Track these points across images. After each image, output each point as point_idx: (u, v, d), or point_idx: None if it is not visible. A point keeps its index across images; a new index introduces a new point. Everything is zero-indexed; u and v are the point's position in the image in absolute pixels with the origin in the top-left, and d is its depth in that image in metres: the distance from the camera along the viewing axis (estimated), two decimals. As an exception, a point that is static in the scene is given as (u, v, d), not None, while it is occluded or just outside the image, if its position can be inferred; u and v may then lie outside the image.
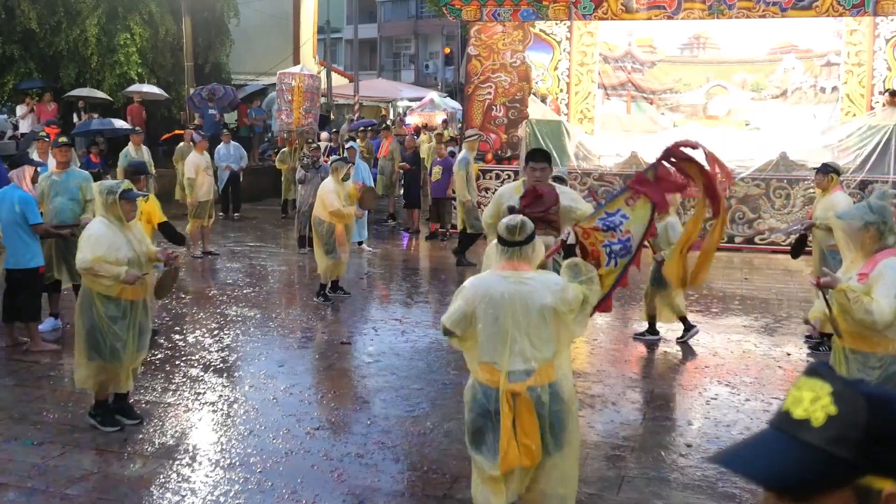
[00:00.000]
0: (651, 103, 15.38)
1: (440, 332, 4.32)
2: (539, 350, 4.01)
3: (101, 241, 5.64)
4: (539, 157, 6.20)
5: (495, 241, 4.17)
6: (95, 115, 18.06)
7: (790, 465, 1.14)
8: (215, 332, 8.49)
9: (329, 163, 14.26)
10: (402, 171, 16.15)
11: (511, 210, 5.35)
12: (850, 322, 4.29)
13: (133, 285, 5.74)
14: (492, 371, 4.03)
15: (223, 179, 16.09)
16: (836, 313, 4.34)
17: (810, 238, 8.48)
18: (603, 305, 4.84)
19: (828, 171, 8.26)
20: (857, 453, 1.12)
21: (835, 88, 14.38)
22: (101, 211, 5.80)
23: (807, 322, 5.03)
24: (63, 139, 8.96)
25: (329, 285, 10.06)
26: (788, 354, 7.90)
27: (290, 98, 16.77)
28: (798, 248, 8.61)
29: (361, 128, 18.82)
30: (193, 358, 7.65)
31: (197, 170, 12.81)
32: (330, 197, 9.73)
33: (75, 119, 18.38)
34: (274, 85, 18.62)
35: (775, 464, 1.15)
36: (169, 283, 6.33)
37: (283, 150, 16.77)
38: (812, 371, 1.21)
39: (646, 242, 5.24)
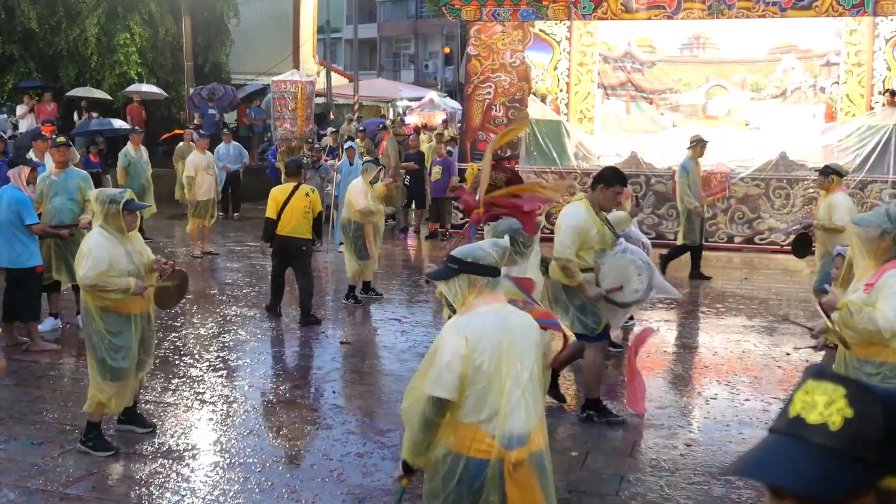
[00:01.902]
0: (651, 103, 15.38)
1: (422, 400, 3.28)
2: (537, 404, 3.32)
3: (102, 256, 5.34)
4: (625, 178, 6.12)
5: (459, 277, 3.38)
6: (95, 115, 18.07)
7: (812, 471, 1.13)
8: (215, 332, 8.49)
9: (329, 163, 14.32)
10: (405, 171, 16.14)
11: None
12: (855, 334, 4.19)
13: (141, 297, 5.50)
14: (480, 437, 3.20)
15: (222, 179, 16.10)
16: (841, 327, 4.23)
17: (813, 236, 8.45)
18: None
19: (828, 173, 8.27)
20: (877, 454, 1.11)
21: (825, 87, 14.36)
22: (100, 221, 5.47)
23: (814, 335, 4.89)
24: (61, 139, 8.95)
25: (360, 286, 10.06)
26: (788, 354, 7.90)
27: (292, 106, 16.76)
28: (800, 248, 8.57)
29: (363, 128, 18.80)
30: (193, 358, 7.65)
31: (196, 169, 12.78)
32: (358, 196, 9.72)
33: (76, 118, 18.39)
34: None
35: (797, 471, 1.13)
36: (175, 295, 6.05)
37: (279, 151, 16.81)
38: (820, 374, 1.19)
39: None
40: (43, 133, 10.99)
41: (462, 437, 3.22)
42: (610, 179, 5.98)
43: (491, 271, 3.37)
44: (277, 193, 8.98)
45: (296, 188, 8.96)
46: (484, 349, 3.19)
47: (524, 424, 3.21)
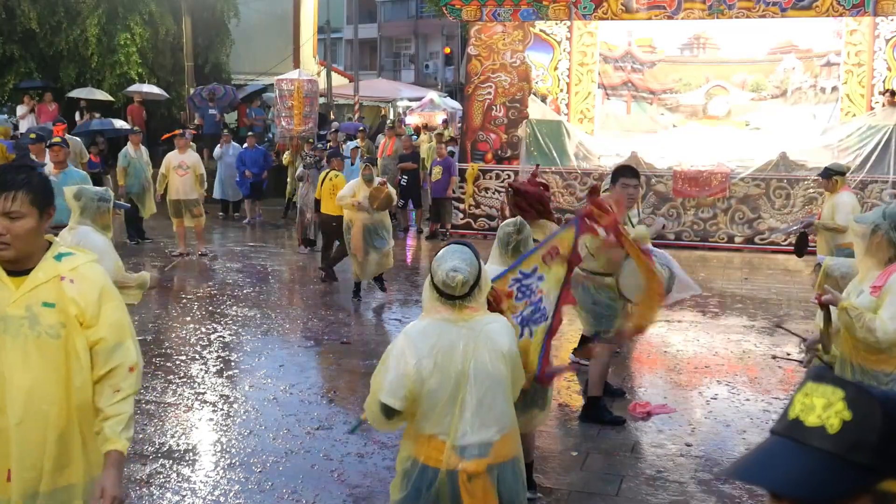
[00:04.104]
0: (651, 103, 15.39)
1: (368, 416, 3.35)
2: (502, 414, 3.23)
3: (110, 253, 5.24)
4: (631, 173, 6.21)
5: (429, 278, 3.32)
6: (97, 115, 18.08)
7: (809, 474, 1.12)
8: (215, 332, 8.49)
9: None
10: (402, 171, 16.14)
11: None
12: (856, 339, 4.06)
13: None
14: (436, 445, 3.18)
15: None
16: (843, 329, 4.11)
17: (812, 236, 8.45)
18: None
19: (830, 175, 8.25)
20: (874, 458, 1.11)
21: (835, 88, 14.39)
22: (89, 219, 5.39)
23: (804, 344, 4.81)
24: (57, 139, 8.95)
25: (373, 281, 10.08)
26: (788, 354, 7.90)
27: (290, 104, 16.77)
28: (801, 247, 8.57)
29: (363, 128, 18.79)
30: (193, 358, 7.65)
31: (167, 167, 12.60)
32: (344, 189, 9.84)
33: (77, 118, 18.41)
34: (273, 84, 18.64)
35: (794, 474, 1.13)
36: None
37: (286, 153, 16.82)
38: (819, 376, 1.19)
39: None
40: (31, 136, 10.95)
41: (420, 444, 3.23)
42: (614, 175, 6.20)
43: (437, 289, 3.23)
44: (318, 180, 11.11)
45: (326, 174, 10.96)
46: (430, 360, 3.14)
47: (482, 436, 3.17)
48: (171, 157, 12.72)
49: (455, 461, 3.14)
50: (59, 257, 2.76)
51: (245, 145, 16.44)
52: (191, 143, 15.01)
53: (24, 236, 2.66)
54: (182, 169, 12.54)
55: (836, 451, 1.12)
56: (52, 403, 2.70)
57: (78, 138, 13.67)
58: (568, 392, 6.79)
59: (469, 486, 3.14)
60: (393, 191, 9.97)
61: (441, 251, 3.33)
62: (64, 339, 2.70)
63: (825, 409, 1.15)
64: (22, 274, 2.71)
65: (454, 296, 3.21)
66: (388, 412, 3.20)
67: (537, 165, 10.31)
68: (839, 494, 1.11)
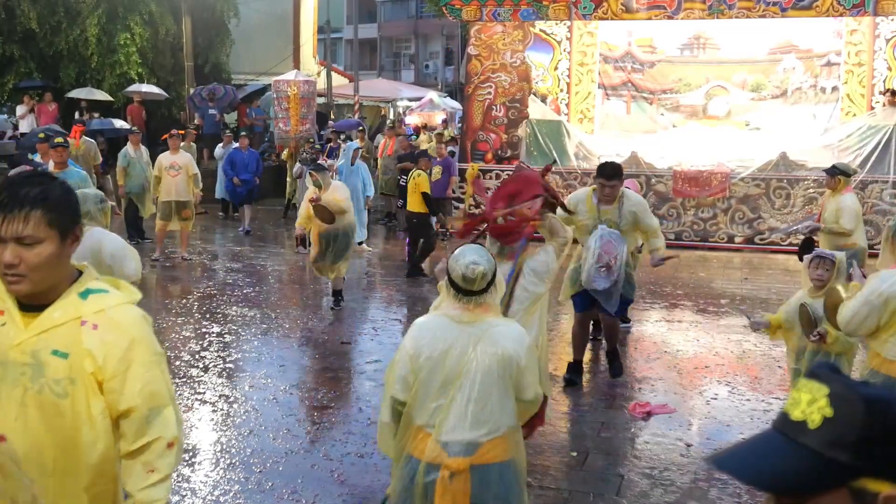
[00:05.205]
0: (651, 103, 15.39)
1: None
2: (495, 414, 3.19)
3: (132, 250, 5.19)
4: (609, 172, 6.42)
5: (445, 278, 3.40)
6: (97, 115, 18.08)
7: (785, 467, 1.14)
8: (215, 332, 8.49)
9: (328, 163, 14.30)
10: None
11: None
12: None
13: None
14: (423, 438, 3.22)
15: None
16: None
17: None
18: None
19: (834, 173, 8.26)
20: (853, 456, 1.11)
21: (835, 88, 14.39)
22: (95, 222, 5.22)
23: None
24: (59, 140, 8.97)
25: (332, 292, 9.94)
26: (788, 354, 7.90)
27: (286, 106, 16.75)
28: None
29: (362, 128, 18.79)
30: (193, 358, 7.64)
31: (159, 168, 12.40)
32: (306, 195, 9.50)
33: (77, 118, 18.42)
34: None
35: (770, 466, 1.15)
36: None
37: (281, 154, 16.82)
38: (811, 373, 1.21)
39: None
40: (39, 136, 10.98)
41: (410, 435, 3.28)
42: (596, 173, 6.64)
43: (455, 286, 3.30)
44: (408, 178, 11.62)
45: (411, 173, 11.37)
46: (425, 352, 3.21)
47: (470, 435, 3.17)
48: (163, 158, 12.46)
49: (437, 455, 3.16)
50: (84, 294, 2.18)
51: (236, 145, 15.64)
52: (191, 143, 15.00)
53: (41, 266, 2.10)
54: (174, 169, 12.33)
55: (815, 446, 1.13)
56: (49, 475, 2.13)
57: (92, 140, 13.60)
58: (568, 391, 6.79)
59: (449, 483, 3.12)
60: (341, 203, 9.07)
61: (457, 250, 3.40)
62: (71, 398, 2.12)
63: (809, 404, 1.16)
64: (36, 309, 2.15)
65: (472, 291, 3.28)
66: (394, 405, 3.35)
67: (554, 161, 10.90)
68: (813, 488, 1.13)
